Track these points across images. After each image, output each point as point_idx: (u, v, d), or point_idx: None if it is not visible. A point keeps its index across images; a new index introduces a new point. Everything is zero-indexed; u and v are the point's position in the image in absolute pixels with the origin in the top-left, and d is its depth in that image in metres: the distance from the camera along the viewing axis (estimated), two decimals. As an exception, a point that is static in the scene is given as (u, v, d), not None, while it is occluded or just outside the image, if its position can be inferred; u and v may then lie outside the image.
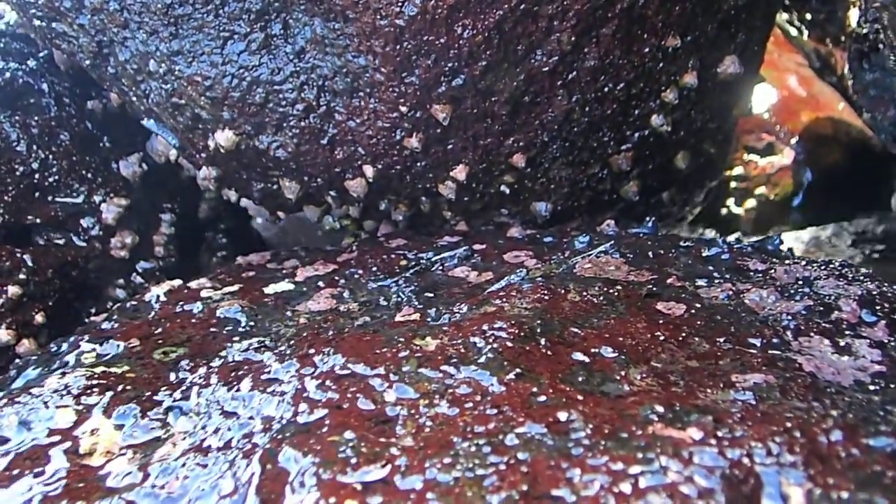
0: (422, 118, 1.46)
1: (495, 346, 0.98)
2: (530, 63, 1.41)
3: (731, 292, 1.16)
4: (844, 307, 1.10)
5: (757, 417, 0.82)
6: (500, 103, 1.46)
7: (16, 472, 0.95)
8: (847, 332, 1.05)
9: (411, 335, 1.04)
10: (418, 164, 1.54)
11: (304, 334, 1.14)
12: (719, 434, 0.78)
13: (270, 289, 1.40)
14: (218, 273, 1.53)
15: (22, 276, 1.54)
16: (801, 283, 1.19)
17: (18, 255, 1.55)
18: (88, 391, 1.06)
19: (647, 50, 1.46)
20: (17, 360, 1.46)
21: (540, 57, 1.41)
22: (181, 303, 1.36)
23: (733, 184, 2.60)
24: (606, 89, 1.48)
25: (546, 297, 1.13)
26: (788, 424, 0.79)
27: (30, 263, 1.56)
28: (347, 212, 1.72)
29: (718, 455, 0.75)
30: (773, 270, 1.25)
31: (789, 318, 1.08)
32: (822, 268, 1.23)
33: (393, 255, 1.49)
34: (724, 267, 1.27)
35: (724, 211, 2.60)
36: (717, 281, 1.22)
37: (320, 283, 1.40)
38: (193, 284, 1.46)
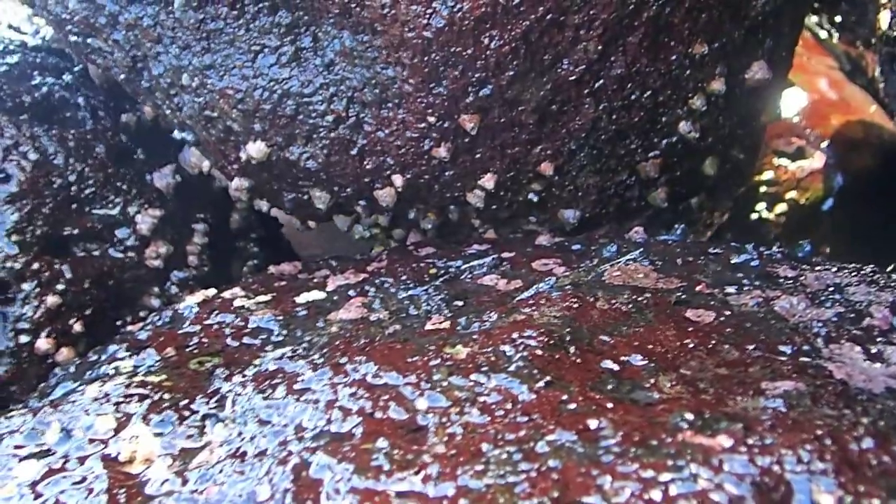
0: (450, 128, 1.47)
1: (525, 354, 0.99)
2: (557, 72, 1.42)
3: (760, 299, 1.16)
4: (876, 314, 1.09)
5: (787, 425, 0.82)
6: (527, 112, 1.47)
7: (58, 478, 0.98)
8: (879, 339, 1.04)
9: (442, 343, 1.05)
10: (447, 173, 1.55)
11: (337, 343, 1.16)
12: (749, 441, 0.78)
13: (302, 298, 1.42)
14: (251, 283, 1.56)
15: (60, 287, 1.57)
16: (831, 289, 1.19)
17: (57, 265, 1.59)
18: (127, 400, 1.09)
19: (674, 57, 1.46)
20: (57, 369, 1.50)
21: (566, 66, 1.42)
22: (215, 312, 1.38)
23: (763, 189, 2.58)
24: (633, 97, 1.48)
25: (575, 305, 1.14)
26: (819, 432, 0.79)
27: (68, 274, 1.60)
28: (377, 221, 1.74)
29: (749, 462, 0.75)
30: (803, 277, 1.24)
31: (820, 324, 1.08)
32: (853, 274, 1.23)
33: (422, 264, 1.50)
34: (754, 274, 1.27)
35: (753, 216, 2.58)
36: (746, 288, 1.21)
37: (351, 293, 1.42)
38: (227, 294, 1.48)
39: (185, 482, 0.93)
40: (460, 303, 1.31)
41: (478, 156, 1.53)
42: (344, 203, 1.66)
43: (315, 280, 1.54)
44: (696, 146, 1.62)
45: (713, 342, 1.04)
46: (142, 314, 1.68)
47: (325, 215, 1.73)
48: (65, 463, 1.00)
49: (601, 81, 1.45)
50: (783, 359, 1.00)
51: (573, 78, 1.43)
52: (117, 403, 1.08)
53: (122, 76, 1.67)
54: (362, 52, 1.43)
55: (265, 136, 1.55)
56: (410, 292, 1.40)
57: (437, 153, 1.50)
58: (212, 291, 1.50)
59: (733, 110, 1.62)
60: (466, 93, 1.43)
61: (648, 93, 1.49)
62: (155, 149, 1.81)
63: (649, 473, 0.75)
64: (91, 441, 1.03)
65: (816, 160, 2.58)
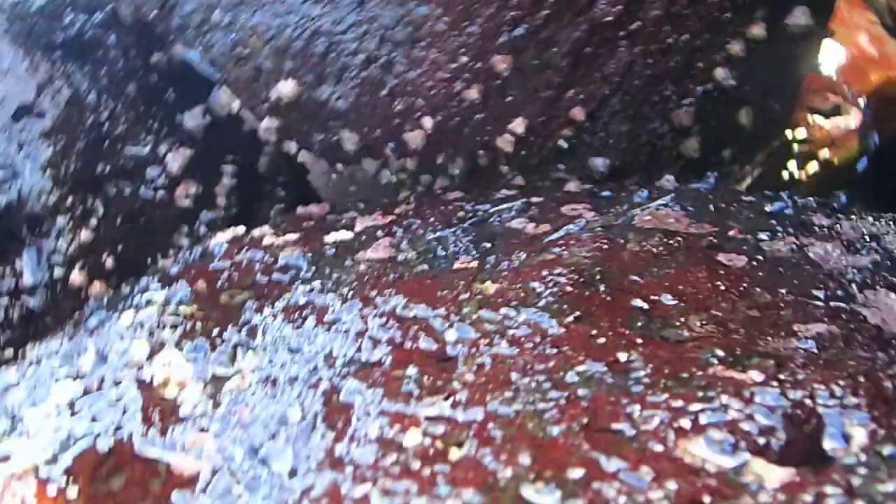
0: (482, 69, 1.46)
1: (555, 290, 0.99)
2: (593, 12, 1.40)
3: (794, 246, 1.15)
4: (912, 262, 1.08)
5: (819, 363, 0.81)
6: (560, 54, 1.44)
7: (93, 398, 1.00)
8: (915, 287, 1.03)
9: (471, 279, 1.06)
10: (477, 116, 1.54)
11: (366, 278, 1.16)
12: (781, 377, 0.78)
13: (330, 238, 1.43)
14: (280, 222, 1.56)
15: (93, 222, 1.59)
16: (867, 238, 1.17)
17: (90, 201, 1.61)
18: (160, 327, 1.11)
19: None
20: (90, 302, 1.52)
21: (603, 6, 1.39)
22: (245, 249, 1.39)
23: (796, 146, 2.53)
24: (670, 40, 1.45)
25: (605, 247, 1.13)
26: (852, 370, 0.79)
27: (100, 210, 1.61)
28: (405, 165, 1.73)
29: (780, 395, 0.75)
30: (838, 225, 1.22)
31: (855, 271, 1.06)
32: (890, 223, 1.21)
33: (450, 207, 1.50)
34: (788, 221, 1.25)
35: (785, 174, 2.54)
36: (780, 234, 1.20)
37: (379, 233, 1.42)
38: (256, 232, 1.49)
39: (217, 405, 0.94)
40: (488, 244, 1.30)
41: (509, 99, 1.51)
42: (373, 145, 1.66)
43: (343, 221, 1.54)
44: (732, 94, 1.59)
45: (745, 285, 1.04)
46: (172, 251, 1.69)
47: (354, 158, 1.73)
48: (100, 384, 1.02)
49: (638, 23, 1.42)
50: (817, 303, 0.99)
51: (609, 19, 1.41)
52: (151, 331, 1.10)
53: (153, 14, 1.66)
54: (396, -10, 1.41)
55: (296, 75, 1.55)
56: (438, 234, 1.39)
57: (468, 95, 1.49)
58: (241, 229, 1.51)
59: (772, 58, 1.58)
60: (500, 32, 1.41)
61: (686, 36, 1.46)
62: (185, 89, 1.81)
63: (679, 403, 0.75)
64: (126, 365, 1.05)
65: (853, 118, 2.52)
